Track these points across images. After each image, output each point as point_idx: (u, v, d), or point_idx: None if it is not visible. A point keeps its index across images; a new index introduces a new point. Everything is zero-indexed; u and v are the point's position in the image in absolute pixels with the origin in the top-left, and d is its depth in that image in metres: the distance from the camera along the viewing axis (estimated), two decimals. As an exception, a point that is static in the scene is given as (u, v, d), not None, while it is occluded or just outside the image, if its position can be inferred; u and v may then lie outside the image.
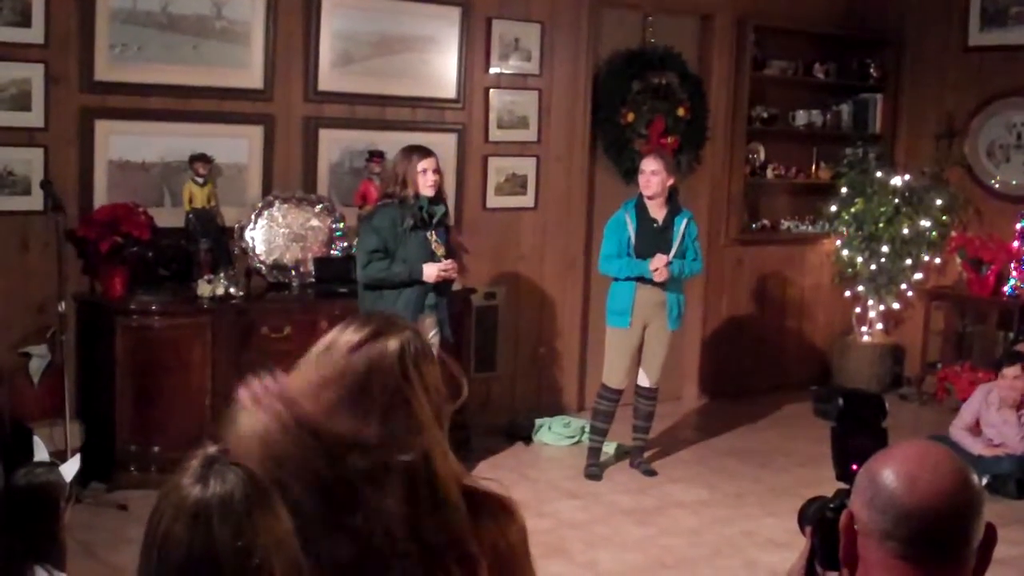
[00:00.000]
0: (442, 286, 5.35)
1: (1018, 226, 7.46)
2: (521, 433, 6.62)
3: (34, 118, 5.35)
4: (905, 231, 7.68)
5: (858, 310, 8.13)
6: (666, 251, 5.80)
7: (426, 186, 5.20)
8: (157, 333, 5.40)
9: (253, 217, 5.91)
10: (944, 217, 7.72)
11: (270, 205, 5.97)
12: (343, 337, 1.73)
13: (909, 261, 7.77)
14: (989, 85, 7.79)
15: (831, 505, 1.61)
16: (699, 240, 6.03)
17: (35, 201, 5.34)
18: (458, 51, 6.52)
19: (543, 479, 5.97)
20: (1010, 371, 6.11)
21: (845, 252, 7.92)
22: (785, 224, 8.19)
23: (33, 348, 5.40)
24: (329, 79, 6.14)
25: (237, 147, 5.94)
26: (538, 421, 6.69)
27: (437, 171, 5.26)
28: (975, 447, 6.07)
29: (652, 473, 6.11)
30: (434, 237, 5.30)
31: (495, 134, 6.74)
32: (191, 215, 5.65)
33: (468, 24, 6.53)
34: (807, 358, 8.26)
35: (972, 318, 7.95)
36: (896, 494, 1.46)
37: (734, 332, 7.91)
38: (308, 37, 6.05)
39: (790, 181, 8.20)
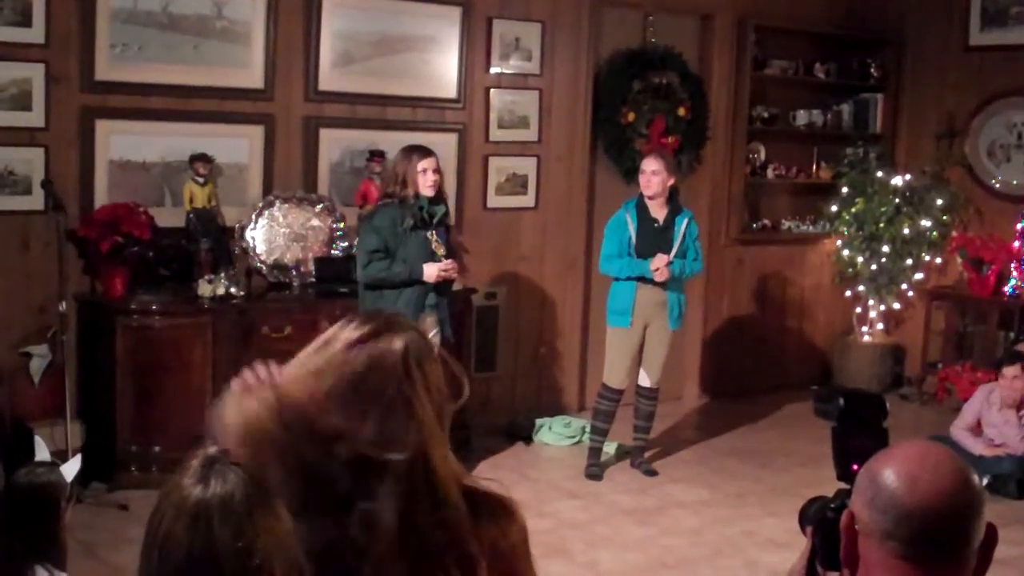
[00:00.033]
0: (442, 286, 5.35)
1: (1019, 226, 7.46)
2: (521, 433, 6.62)
3: (35, 118, 5.35)
4: (906, 231, 7.68)
5: (859, 310, 8.13)
6: (667, 251, 5.80)
7: (426, 186, 5.20)
8: (158, 333, 5.41)
9: (254, 217, 5.91)
10: (945, 217, 7.72)
11: (271, 205, 5.97)
12: (343, 333, 1.72)
13: (910, 261, 7.77)
14: (990, 85, 7.79)
15: (832, 505, 1.61)
16: (700, 240, 6.03)
17: (36, 201, 5.34)
18: (459, 51, 6.52)
19: (543, 479, 5.97)
20: (1010, 371, 6.11)
21: (846, 252, 7.92)
22: (786, 224, 8.19)
23: (34, 348, 5.40)
24: (330, 79, 6.14)
25: (238, 147, 5.94)
26: (539, 421, 6.69)
27: (437, 171, 5.26)
28: (976, 447, 6.07)
29: (653, 473, 6.11)
30: (434, 237, 5.30)
31: (496, 134, 6.74)
32: (192, 215, 5.65)
33: (469, 24, 6.54)
34: (808, 358, 8.26)
35: (973, 318, 7.95)
36: (897, 494, 1.46)
37: (735, 332, 7.91)
38: (309, 37, 6.05)
39: (791, 181, 8.20)
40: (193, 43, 5.74)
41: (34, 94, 5.33)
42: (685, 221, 5.90)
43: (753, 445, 6.75)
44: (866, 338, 8.10)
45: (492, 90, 6.69)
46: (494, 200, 6.79)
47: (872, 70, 8.29)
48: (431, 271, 5.23)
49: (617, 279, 5.89)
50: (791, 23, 7.87)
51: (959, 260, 7.81)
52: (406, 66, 6.39)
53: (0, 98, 5.27)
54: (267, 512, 1.40)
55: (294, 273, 5.98)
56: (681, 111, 7.28)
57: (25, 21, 5.27)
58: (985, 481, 5.52)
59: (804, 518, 1.69)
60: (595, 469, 6.02)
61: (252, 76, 5.92)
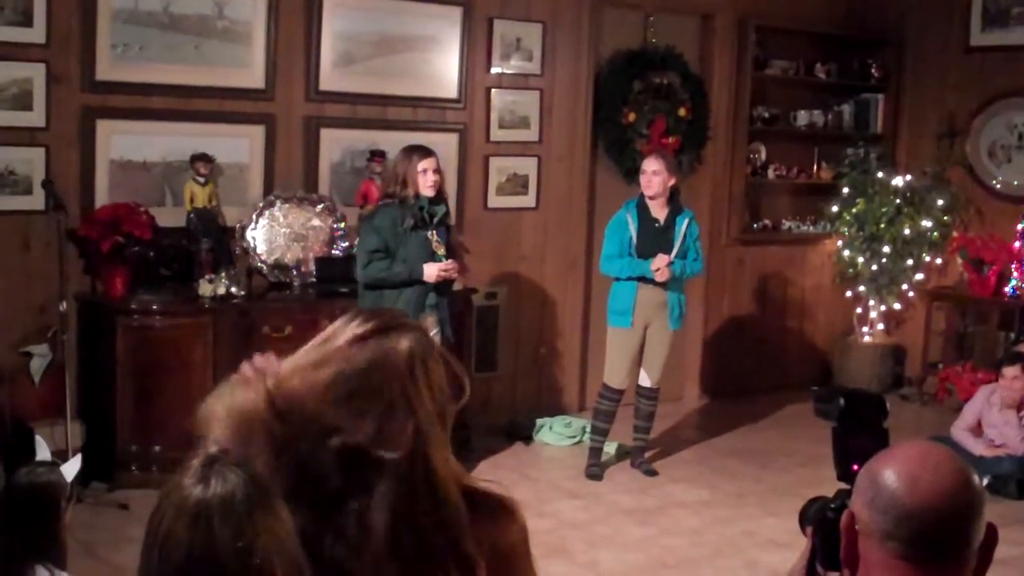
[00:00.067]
0: (442, 286, 5.35)
1: (1019, 226, 7.46)
2: (522, 433, 6.62)
3: (35, 118, 5.36)
4: (906, 231, 7.68)
5: (859, 310, 8.13)
6: (667, 251, 5.80)
7: (426, 186, 5.20)
8: (158, 333, 5.41)
9: (254, 217, 5.91)
10: (945, 217, 7.72)
11: (271, 205, 5.97)
12: (347, 329, 1.71)
13: (910, 261, 7.77)
14: (990, 85, 7.79)
15: (832, 505, 1.61)
16: (700, 240, 6.03)
17: (36, 201, 5.34)
18: (459, 51, 6.52)
19: (544, 479, 5.97)
20: (1010, 371, 6.11)
21: (846, 252, 7.92)
22: (786, 224, 8.19)
23: (34, 347, 5.40)
24: (330, 79, 6.14)
25: (238, 147, 5.94)
26: (539, 421, 6.69)
27: (437, 171, 5.26)
28: (976, 448, 6.07)
29: (653, 473, 6.11)
30: (435, 237, 5.30)
31: (496, 134, 6.74)
32: (192, 215, 5.65)
33: (469, 24, 6.54)
34: (808, 358, 8.26)
35: (973, 318, 7.95)
36: (897, 494, 1.46)
37: (735, 332, 7.91)
38: (309, 37, 6.05)
39: (791, 181, 8.20)
40: (194, 43, 5.74)
41: (35, 94, 5.33)
42: (686, 221, 5.90)
43: (753, 445, 6.75)
44: (866, 338, 8.10)
45: (493, 90, 6.69)
46: (495, 200, 6.79)
47: (873, 70, 8.29)
48: (431, 271, 5.23)
49: (618, 279, 5.89)
50: (792, 23, 7.87)
51: (960, 261, 7.81)
52: (407, 66, 6.39)
53: (1, 98, 5.27)
54: (268, 512, 1.40)
55: (295, 273, 5.98)
56: (682, 111, 7.28)
57: (26, 21, 5.27)
58: (985, 481, 5.52)
59: (804, 518, 1.69)
60: (595, 469, 6.02)
61: (253, 76, 5.92)
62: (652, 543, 5.14)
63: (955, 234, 7.78)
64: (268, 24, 5.91)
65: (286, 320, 5.64)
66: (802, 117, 8.12)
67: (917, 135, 8.27)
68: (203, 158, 5.65)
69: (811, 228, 8.17)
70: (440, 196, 5.34)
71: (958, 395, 7.33)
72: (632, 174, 6.55)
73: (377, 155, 6.10)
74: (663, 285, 5.81)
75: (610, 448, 6.27)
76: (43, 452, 2.91)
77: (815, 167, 8.36)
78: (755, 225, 8.04)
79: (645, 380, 6.05)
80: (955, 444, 5.92)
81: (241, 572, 1.36)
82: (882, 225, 7.68)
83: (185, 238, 5.67)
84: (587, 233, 7.09)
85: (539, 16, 6.79)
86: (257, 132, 5.98)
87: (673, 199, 5.92)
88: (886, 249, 7.72)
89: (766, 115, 7.93)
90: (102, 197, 5.54)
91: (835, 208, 7.91)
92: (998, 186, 7.86)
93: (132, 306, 5.39)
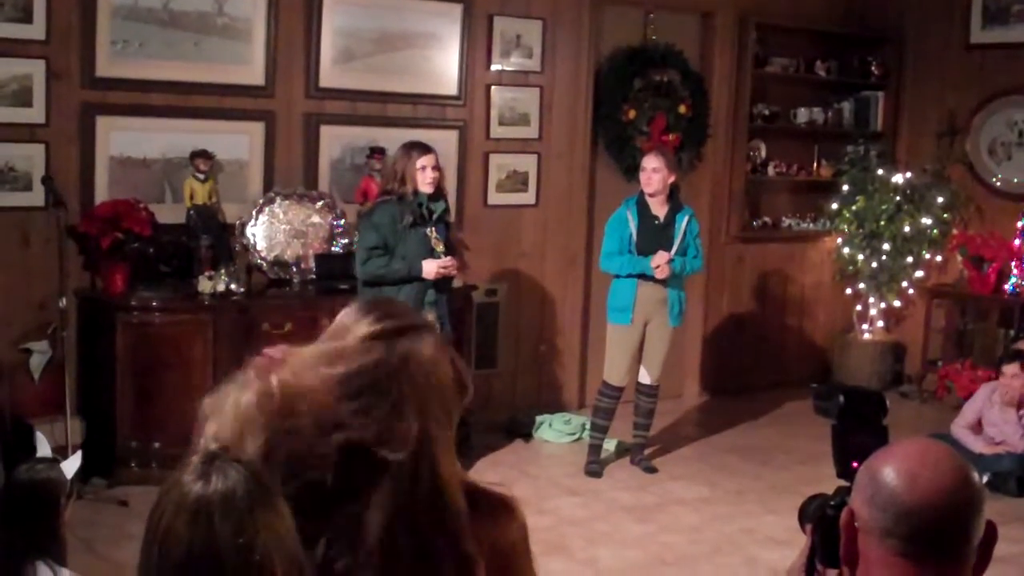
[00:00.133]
0: (442, 282, 5.35)
1: (1019, 224, 7.46)
2: (522, 430, 6.62)
3: (35, 114, 5.35)
4: (906, 229, 7.68)
5: (859, 308, 8.13)
6: (667, 248, 5.80)
7: (425, 183, 5.20)
8: (158, 329, 5.41)
9: (254, 213, 5.91)
10: (945, 215, 7.72)
11: (271, 201, 5.97)
12: (359, 325, 1.69)
13: (910, 259, 7.77)
14: (990, 83, 7.79)
15: (832, 503, 1.60)
16: (700, 237, 6.03)
17: (36, 197, 5.34)
18: (459, 48, 6.52)
19: (543, 476, 5.97)
20: (1010, 369, 6.12)
21: (846, 250, 7.92)
22: (786, 222, 8.19)
23: (34, 344, 5.40)
24: (330, 75, 6.14)
25: (238, 143, 5.94)
26: (539, 418, 6.69)
27: (436, 168, 5.26)
28: (976, 445, 6.08)
29: (653, 470, 6.11)
30: (434, 234, 5.30)
31: (496, 131, 6.74)
32: (192, 211, 5.65)
33: (469, 21, 6.53)
34: (808, 355, 8.27)
35: (973, 316, 7.95)
36: (897, 492, 1.46)
37: (735, 329, 7.91)
38: (309, 34, 6.05)
39: (791, 179, 8.20)
40: (194, 40, 5.74)
41: (35, 90, 5.33)
42: (686, 218, 5.90)
43: (753, 442, 6.76)
44: (866, 336, 8.10)
45: (493, 87, 6.69)
46: (495, 197, 6.79)
47: (873, 68, 8.29)
48: (430, 268, 5.23)
49: (618, 276, 5.89)
50: (792, 21, 7.87)
51: (959, 258, 7.81)
52: (407, 63, 6.39)
53: (1, 94, 5.27)
54: (268, 509, 1.40)
55: (294, 270, 5.98)
56: (682, 109, 7.28)
57: (26, 17, 5.27)
58: (985, 479, 5.51)
59: (804, 515, 1.69)
60: (595, 466, 6.02)
61: (253, 73, 5.92)
62: (651, 540, 5.14)
63: (955, 231, 7.78)
64: (268, 21, 5.90)
65: (286, 317, 5.64)
66: (802, 114, 8.11)
67: (917, 132, 8.27)
68: (203, 155, 5.65)
69: (811, 225, 8.17)
70: (439, 193, 5.34)
71: (958, 392, 7.34)
72: (632, 171, 6.55)
73: (377, 152, 6.10)
74: (663, 282, 5.82)
75: (610, 445, 6.28)
76: (43, 448, 2.91)
77: (815, 164, 8.36)
78: (755, 222, 8.04)
79: (645, 377, 6.05)
80: (955, 441, 5.92)
81: (241, 569, 1.36)
82: (882, 222, 7.68)
83: (185, 235, 5.67)
84: (587, 230, 7.09)
85: (539, 13, 6.79)
86: (257, 129, 5.98)
87: (673, 196, 5.92)
88: (886, 246, 7.72)
89: (766, 112, 7.93)
90: (102, 193, 5.54)
91: (835, 205, 7.91)
92: (998, 184, 7.86)
93: (132, 303, 5.39)
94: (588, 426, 6.24)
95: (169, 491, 1.39)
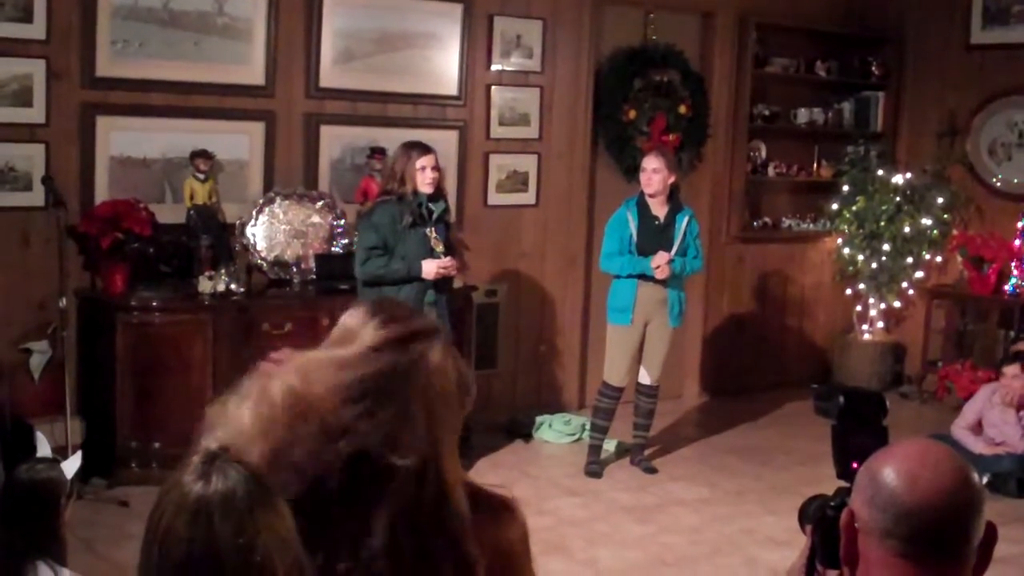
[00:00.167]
0: (441, 283, 5.35)
1: (1019, 224, 7.46)
2: (522, 430, 6.62)
3: (35, 114, 5.35)
4: (906, 229, 7.68)
5: (859, 308, 8.13)
6: (667, 249, 5.80)
7: (424, 183, 5.20)
8: (158, 329, 5.41)
9: (254, 213, 5.91)
10: (945, 215, 7.72)
11: (271, 201, 5.97)
12: (367, 330, 1.68)
13: (910, 259, 7.77)
14: (991, 83, 7.79)
15: (832, 503, 1.60)
16: (700, 238, 6.03)
17: (36, 197, 5.34)
18: (460, 48, 6.52)
19: (543, 476, 5.97)
20: (1010, 370, 6.13)
21: (846, 250, 7.92)
22: (786, 222, 8.19)
23: (34, 344, 5.40)
24: (330, 75, 6.14)
25: (238, 143, 5.94)
26: (539, 418, 6.69)
27: (436, 168, 5.25)
28: (976, 446, 6.08)
29: (653, 471, 6.11)
30: (433, 234, 5.30)
31: (496, 131, 6.74)
32: (192, 211, 5.65)
33: (470, 21, 6.53)
34: (808, 356, 8.27)
35: (973, 316, 7.95)
36: (897, 492, 1.46)
37: (735, 330, 7.91)
38: (310, 34, 6.05)
39: (791, 179, 8.20)
40: (194, 39, 5.74)
41: (35, 90, 5.33)
42: (686, 219, 5.90)
43: (753, 443, 6.76)
44: (866, 336, 8.10)
45: (493, 87, 6.69)
46: (495, 197, 6.79)
47: (873, 68, 8.29)
48: (430, 268, 5.23)
49: (618, 277, 5.89)
50: (792, 21, 7.87)
51: (959, 259, 7.81)
52: (407, 63, 6.39)
53: (1, 94, 5.26)
54: (269, 509, 1.40)
55: (295, 270, 5.98)
56: (682, 109, 7.28)
57: (26, 17, 5.27)
58: (985, 479, 5.52)
59: (804, 516, 1.69)
60: (595, 467, 6.02)
61: (253, 73, 5.92)
62: (651, 541, 5.14)
63: (955, 232, 7.78)
64: (268, 21, 5.90)
65: (286, 317, 5.64)
66: (802, 115, 8.11)
67: (917, 133, 8.27)
68: (203, 155, 5.65)
69: (811, 226, 8.17)
70: (439, 193, 5.34)
71: (958, 393, 7.34)
72: (632, 172, 6.55)
73: (377, 152, 6.10)
74: (663, 283, 5.82)
75: (610, 446, 6.28)
76: (43, 449, 2.92)
77: (815, 165, 8.36)
78: (755, 223, 8.04)
79: (645, 378, 6.05)
80: (955, 442, 5.92)
81: (242, 569, 1.36)
82: (882, 223, 7.68)
83: (185, 235, 5.67)
84: (587, 230, 7.09)
85: (539, 13, 6.79)
86: (257, 129, 5.97)
87: (673, 197, 5.92)
88: (886, 247, 7.72)
89: (766, 113, 7.93)
90: (102, 193, 5.54)
91: (835, 206, 7.91)
92: (998, 184, 7.86)
93: (132, 303, 5.39)
94: (588, 426, 6.24)
95: (169, 491, 1.39)
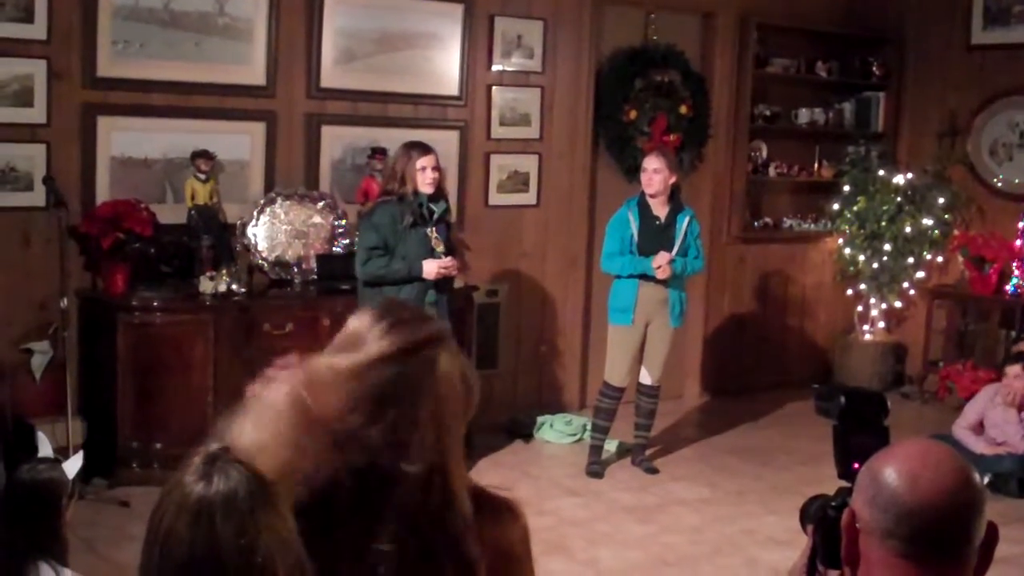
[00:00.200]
0: (442, 283, 5.35)
1: (1020, 224, 7.46)
2: (522, 431, 6.62)
3: (36, 114, 5.35)
4: (907, 229, 7.68)
5: (860, 308, 8.13)
6: (668, 249, 5.80)
7: (425, 183, 5.20)
8: (159, 330, 5.41)
9: (255, 214, 5.91)
10: (946, 215, 7.72)
11: (272, 202, 5.97)
12: (374, 334, 1.67)
13: (911, 259, 7.76)
14: (992, 84, 7.79)
15: (833, 503, 1.61)
16: (701, 238, 6.03)
17: (37, 197, 5.34)
18: (460, 48, 6.52)
19: (544, 477, 5.97)
20: (1012, 370, 6.13)
21: (847, 250, 7.92)
22: (787, 222, 8.19)
23: (35, 344, 5.40)
24: (331, 76, 6.14)
25: (239, 143, 5.94)
26: (540, 419, 6.69)
27: (436, 168, 5.25)
28: (977, 446, 6.07)
29: (653, 471, 6.11)
30: (434, 234, 5.30)
31: (497, 131, 6.74)
32: (193, 211, 5.65)
33: (471, 21, 6.53)
34: (809, 356, 8.26)
35: (974, 317, 7.95)
36: (898, 492, 1.46)
37: (736, 330, 7.91)
38: (310, 34, 6.05)
39: (792, 179, 8.20)
40: (195, 40, 5.74)
41: (36, 90, 5.33)
42: (686, 219, 5.90)
43: (754, 443, 6.75)
44: (867, 336, 8.10)
45: (494, 87, 6.69)
46: (495, 197, 6.79)
47: (874, 68, 8.28)
48: (430, 268, 5.23)
49: (619, 277, 5.89)
50: (793, 21, 7.87)
51: (960, 259, 7.80)
52: (408, 63, 6.39)
53: (2, 94, 5.27)
54: (270, 510, 1.40)
55: (295, 270, 5.98)
56: (683, 109, 7.28)
57: (27, 17, 5.27)
58: (986, 479, 5.50)
59: (805, 516, 1.69)
60: (596, 467, 6.02)
61: (254, 73, 5.92)
62: (652, 541, 5.14)
63: (956, 232, 7.77)
64: (269, 21, 5.90)
65: (287, 317, 5.64)
66: (803, 115, 8.11)
67: (918, 133, 8.26)
68: (204, 155, 5.65)
69: (812, 226, 8.17)
70: (440, 193, 5.34)
71: (959, 393, 7.33)
72: (633, 172, 6.55)
73: (378, 152, 6.10)
74: (664, 283, 5.82)
75: (611, 446, 6.28)
76: (44, 449, 2.91)
77: (816, 165, 8.36)
78: (756, 223, 8.04)
79: (646, 378, 6.05)
80: (956, 442, 5.92)
81: (243, 570, 1.35)
82: (883, 223, 7.68)
83: (186, 235, 5.67)
84: (588, 231, 7.09)
85: (540, 13, 6.79)
86: (258, 129, 5.98)
87: (674, 197, 5.92)
88: (887, 247, 7.72)
89: (767, 113, 7.93)
90: (103, 194, 5.54)
91: (836, 206, 7.91)
92: (999, 184, 7.86)
93: (133, 303, 5.39)
94: (589, 427, 6.24)
95: (171, 492, 1.39)
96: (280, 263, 5.98)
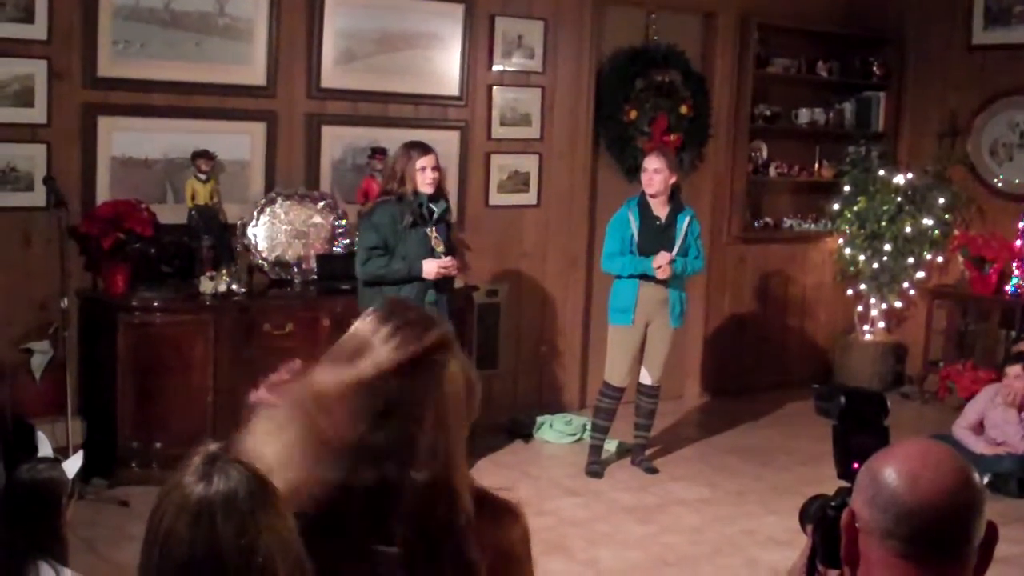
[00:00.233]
0: (442, 283, 5.35)
1: (1021, 225, 7.46)
2: (522, 431, 6.62)
3: (37, 114, 5.35)
4: (907, 229, 7.68)
5: (860, 308, 8.12)
6: (669, 249, 5.80)
7: (424, 183, 5.20)
8: (159, 330, 5.41)
9: (255, 214, 5.91)
10: (947, 216, 7.72)
11: (272, 202, 5.97)
12: (379, 338, 1.66)
13: (911, 259, 7.76)
14: (992, 84, 7.79)
15: (832, 503, 1.60)
16: (701, 238, 6.03)
17: (38, 197, 5.34)
18: (461, 48, 6.52)
19: (544, 477, 5.97)
20: (1012, 370, 6.13)
21: (847, 250, 7.92)
22: (787, 222, 8.19)
23: (35, 344, 5.40)
24: (332, 76, 6.14)
25: (240, 144, 5.94)
26: (540, 419, 6.69)
27: (436, 168, 5.25)
28: (977, 446, 6.07)
29: (653, 471, 6.11)
30: (434, 233, 5.30)
31: (498, 131, 6.74)
32: (194, 212, 5.65)
33: (471, 21, 6.53)
34: (809, 356, 8.26)
35: (974, 317, 7.95)
36: (897, 492, 1.46)
37: (736, 330, 7.91)
38: (311, 34, 6.05)
39: (793, 179, 8.20)
40: (195, 40, 5.74)
41: (36, 90, 5.33)
42: (687, 219, 5.90)
43: (754, 443, 6.75)
44: (867, 336, 8.10)
45: (494, 87, 6.69)
46: (496, 197, 6.79)
47: (874, 69, 8.28)
48: (430, 268, 5.23)
49: (619, 277, 5.89)
50: (794, 21, 7.87)
51: (961, 259, 7.80)
52: (408, 63, 6.39)
53: (2, 94, 5.27)
54: (270, 510, 1.40)
55: (296, 270, 5.98)
56: (683, 109, 7.28)
57: (28, 17, 5.27)
58: (986, 479, 5.51)
59: (805, 516, 1.69)
60: (596, 467, 6.02)
61: (254, 73, 5.92)
62: (652, 541, 5.14)
63: (956, 232, 7.77)
64: (269, 21, 5.90)
65: (287, 317, 5.64)
66: (803, 115, 8.11)
67: (919, 133, 8.26)
68: (204, 155, 5.65)
69: (812, 226, 8.17)
70: (440, 193, 5.34)
71: (959, 393, 7.33)
72: (633, 172, 6.55)
73: (378, 152, 6.10)
74: (664, 283, 5.82)
75: (611, 446, 6.27)
76: (44, 449, 2.91)
77: (816, 165, 8.35)
78: (756, 223, 8.04)
79: (646, 378, 6.05)
80: (956, 442, 5.92)
81: (243, 570, 1.36)
82: (883, 223, 7.68)
83: (186, 235, 5.67)
84: (588, 231, 7.09)
85: (541, 13, 6.79)
86: (258, 129, 5.98)
87: (674, 197, 5.92)
88: (887, 247, 7.72)
89: (767, 113, 7.93)
90: (103, 194, 5.54)
91: (836, 206, 7.91)
92: (999, 184, 7.86)
93: (133, 303, 5.39)
94: (589, 427, 6.23)
95: (170, 492, 1.39)
96: (280, 263, 5.98)
